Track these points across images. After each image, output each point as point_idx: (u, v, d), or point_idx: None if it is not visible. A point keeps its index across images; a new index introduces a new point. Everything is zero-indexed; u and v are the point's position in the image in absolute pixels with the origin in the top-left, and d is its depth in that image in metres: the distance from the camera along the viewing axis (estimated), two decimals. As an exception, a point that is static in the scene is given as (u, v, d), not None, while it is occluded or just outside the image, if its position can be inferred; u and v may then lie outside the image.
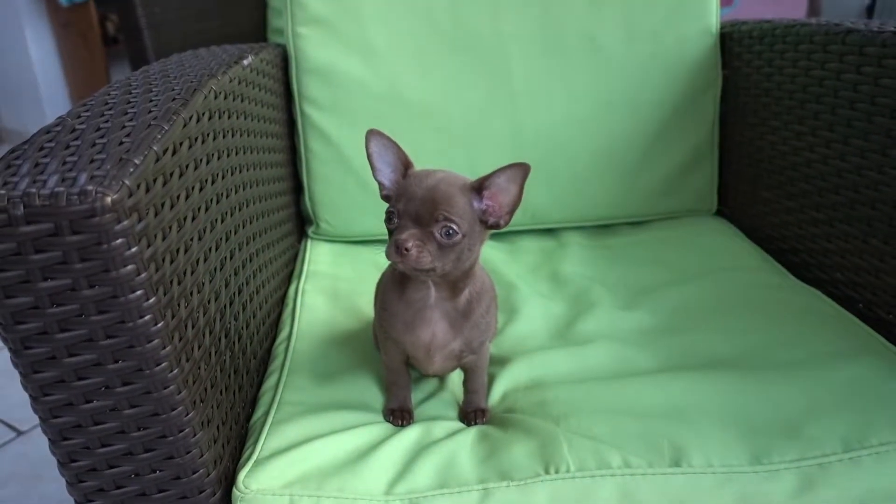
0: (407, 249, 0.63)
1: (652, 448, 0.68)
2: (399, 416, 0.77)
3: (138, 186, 0.54)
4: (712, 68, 1.17)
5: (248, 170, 0.88)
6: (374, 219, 0.69)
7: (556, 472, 0.66)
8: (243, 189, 0.85)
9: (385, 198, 0.69)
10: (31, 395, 0.56)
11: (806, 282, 0.98)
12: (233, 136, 0.82)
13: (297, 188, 1.19)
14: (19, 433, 1.46)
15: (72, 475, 0.59)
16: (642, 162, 1.19)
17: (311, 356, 0.86)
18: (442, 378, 0.84)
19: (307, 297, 0.99)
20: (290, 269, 1.08)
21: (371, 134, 0.69)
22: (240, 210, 0.82)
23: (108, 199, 0.50)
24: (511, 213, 0.67)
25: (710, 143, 1.20)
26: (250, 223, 0.87)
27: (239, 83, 0.86)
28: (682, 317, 0.93)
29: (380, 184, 0.70)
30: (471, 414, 0.77)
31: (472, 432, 0.74)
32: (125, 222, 0.52)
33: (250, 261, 0.85)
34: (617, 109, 1.17)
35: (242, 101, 0.88)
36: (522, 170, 0.65)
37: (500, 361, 0.86)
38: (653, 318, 0.93)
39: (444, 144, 1.15)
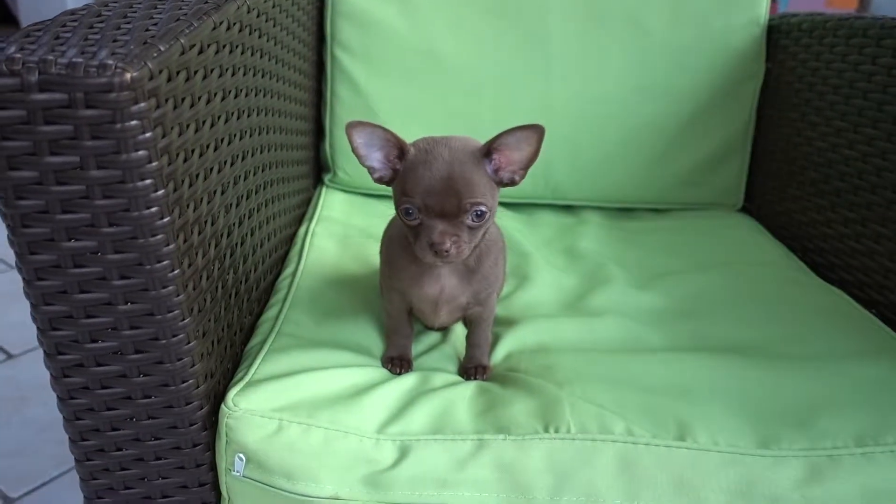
0: (447, 251, 0.61)
1: (657, 420, 0.66)
2: (398, 363, 0.74)
3: (160, 72, 0.52)
4: (756, 60, 1.14)
5: (272, 97, 0.86)
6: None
7: (556, 431, 0.64)
8: (265, 114, 0.82)
9: (379, 180, 0.65)
10: (24, 279, 0.54)
11: (829, 282, 0.95)
12: (261, 56, 0.79)
13: (318, 134, 1.17)
14: (10, 356, 1.44)
15: (57, 368, 0.57)
16: (672, 149, 1.16)
17: (314, 294, 0.84)
18: (445, 332, 0.82)
19: (316, 239, 0.97)
20: (302, 212, 1.06)
21: (352, 127, 0.63)
22: (259, 134, 0.80)
23: (128, 76, 0.48)
24: (526, 168, 0.65)
25: (744, 137, 1.17)
26: (267, 151, 0.84)
27: (273, 6, 0.84)
28: (697, 302, 0.90)
29: (370, 168, 0.65)
30: (471, 369, 0.75)
31: (471, 386, 0.71)
32: (142, 104, 0.49)
33: (263, 188, 0.82)
34: (652, 92, 1.14)
35: (275, 25, 0.85)
36: (537, 132, 0.62)
37: (507, 323, 0.83)
38: (667, 301, 0.90)
39: (472, 105, 1.12)
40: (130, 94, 0.48)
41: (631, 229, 1.14)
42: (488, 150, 0.63)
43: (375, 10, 1.10)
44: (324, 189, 1.16)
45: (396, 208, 0.65)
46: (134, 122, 0.49)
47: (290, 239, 0.98)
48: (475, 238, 0.64)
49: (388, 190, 0.67)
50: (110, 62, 0.48)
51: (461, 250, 0.62)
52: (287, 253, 0.94)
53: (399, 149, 0.64)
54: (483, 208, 0.62)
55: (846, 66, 0.96)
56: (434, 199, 0.61)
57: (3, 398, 1.33)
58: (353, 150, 0.64)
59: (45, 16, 0.56)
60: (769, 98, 1.15)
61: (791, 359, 0.76)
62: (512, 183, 0.65)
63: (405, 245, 0.69)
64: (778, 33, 1.13)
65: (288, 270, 0.88)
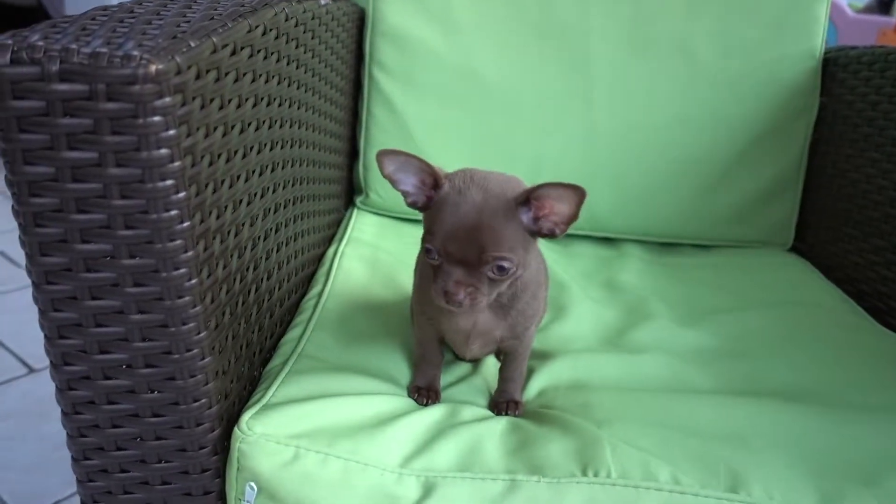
0: (459, 303, 0.57)
1: (706, 469, 0.60)
2: (425, 394, 0.70)
3: (189, 68, 0.49)
4: (810, 93, 1.09)
5: (306, 110, 0.83)
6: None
7: (595, 475, 0.58)
8: (297, 127, 0.79)
9: (412, 205, 0.62)
10: (33, 282, 0.50)
11: (891, 329, 0.88)
12: (297, 67, 0.77)
13: (352, 155, 1.14)
14: (31, 370, 1.42)
15: (63, 380, 0.53)
16: (719, 183, 1.11)
17: (340, 317, 0.80)
18: (476, 363, 0.77)
19: (345, 261, 0.93)
20: (332, 233, 1.03)
21: (382, 155, 0.59)
22: (290, 147, 0.77)
23: (153, 68, 0.45)
24: (568, 224, 0.59)
25: (797, 173, 1.12)
26: (299, 165, 0.81)
27: (313, 18, 0.82)
28: (746, 343, 0.84)
29: (404, 192, 0.61)
30: (502, 404, 0.70)
31: (502, 421, 0.66)
32: (167, 99, 0.46)
33: (292, 203, 0.79)
34: (700, 123, 1.09)
35: (313, 38, 0.83)
36: (578, 194, 0.56)
37: (542, 357, 0.78)
38: (714, 340, 0.84)
39: (512, 129, 1.09)
40: (155, 88, 0.45)
41: (674, 265, 1.08)
42: (527, 199, 0.58)
43: (416, 30, 1.07)
44: (355, 211, 1.12)
45: (422, 241, 0.60)
46: (157, 118, 0.46)
47: (318, 259, 0.94)
48: (498, 288, 0.60)
49: (420, 214, 0.63)
50: (135, 53, 0.45)
51: (476, 301, 0.58)
52: (314, 273, 0.91)
53: (434, 178, 0.60)
54: (506, 264, 0.57)
55: (911, 99, 0.91)
56: (454, 246, 0.57)
57: (23, 412, 1.30)
58: (385, 176, 0.60)
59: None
60: (823, 133, 1.09)
61: (855, 408, 0.70)
62: (552, 235, 0.60)
63: None
64: (835, 66, 1.08)
65: (314, 291, 0.85)
